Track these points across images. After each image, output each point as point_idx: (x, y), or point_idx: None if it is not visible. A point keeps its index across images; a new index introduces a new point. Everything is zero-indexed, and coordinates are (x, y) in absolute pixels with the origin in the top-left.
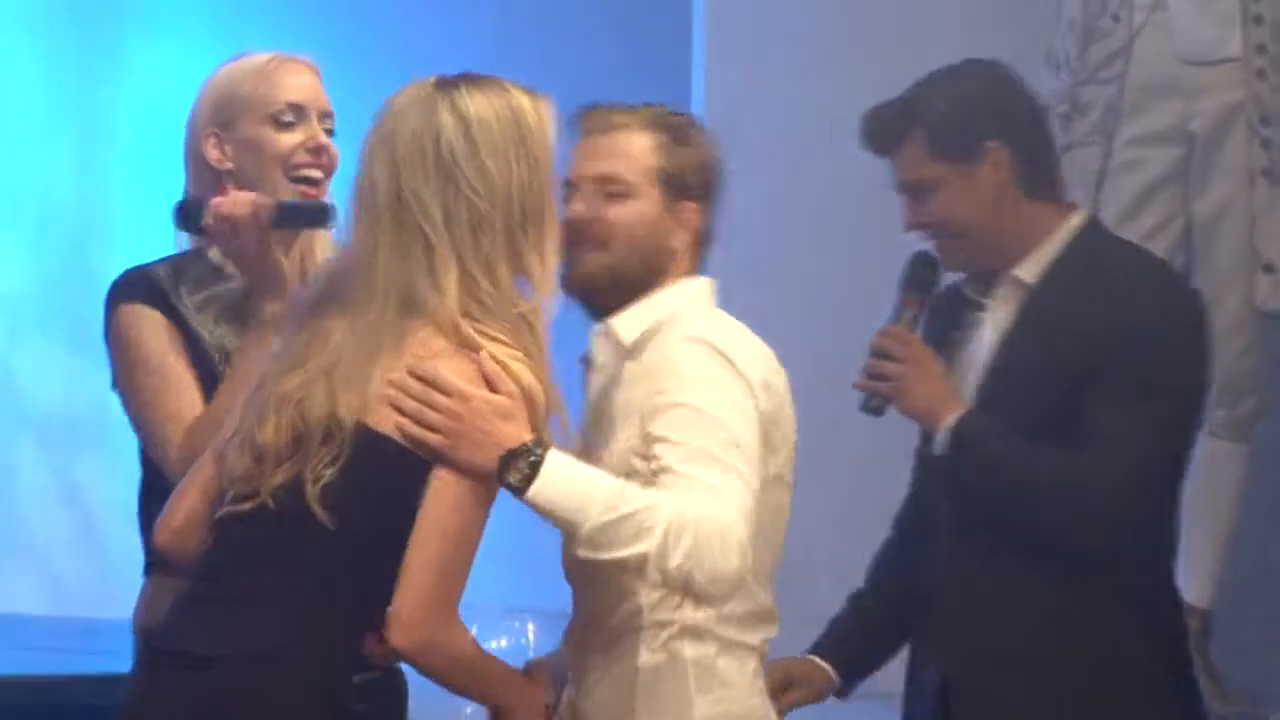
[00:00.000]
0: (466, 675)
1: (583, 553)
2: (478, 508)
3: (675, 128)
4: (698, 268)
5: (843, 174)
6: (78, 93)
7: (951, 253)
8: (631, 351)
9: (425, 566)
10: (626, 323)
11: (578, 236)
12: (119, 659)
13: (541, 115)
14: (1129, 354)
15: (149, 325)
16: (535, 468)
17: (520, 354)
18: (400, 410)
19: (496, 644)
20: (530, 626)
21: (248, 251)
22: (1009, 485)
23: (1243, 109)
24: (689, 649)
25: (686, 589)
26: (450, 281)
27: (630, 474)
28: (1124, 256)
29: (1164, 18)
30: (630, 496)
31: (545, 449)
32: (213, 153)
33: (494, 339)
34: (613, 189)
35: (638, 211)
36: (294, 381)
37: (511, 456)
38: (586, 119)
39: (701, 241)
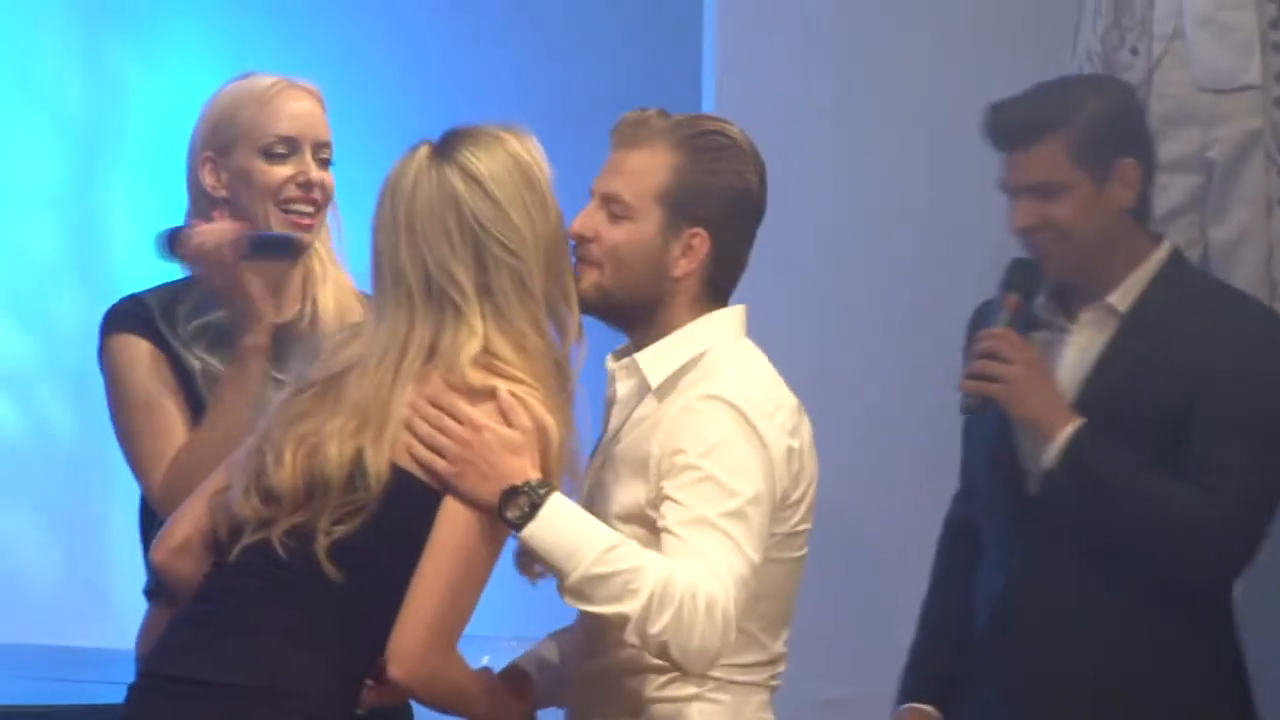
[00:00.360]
0: (461, 703)
1: (568, 600)
2: (486, 541)
3: (701, 148)
4: (714, 295)
5: (852, 178)
6: (79, 107)
7: (1055, 260)
8: (656, 392)
9: (429, 597)
10: (653, 362)
11: (577, 251)
12: (111, 689)
13: (533, 154)
14: (1235, 389)
15: (137, 357)
16: (535, 507)
17: (540, 392)
18: (414, 434)
19: None
20: None
21: (218, 284)
22: (1118, 506)
23: (1261, 137)
24: (692, 687)
25: (662, 656)
26: (474, 343)
27: (633, 518)
28: (1217, 290)
29: (1182, 46)
30: (623, 554)
31: (548, 490)
32: (208, 179)
33: (515, 379)
34: (613, 208)
35: (632, 235)
36: (311, 425)
37: (513, 492)
38: (617, 130)
39: (714, 270)
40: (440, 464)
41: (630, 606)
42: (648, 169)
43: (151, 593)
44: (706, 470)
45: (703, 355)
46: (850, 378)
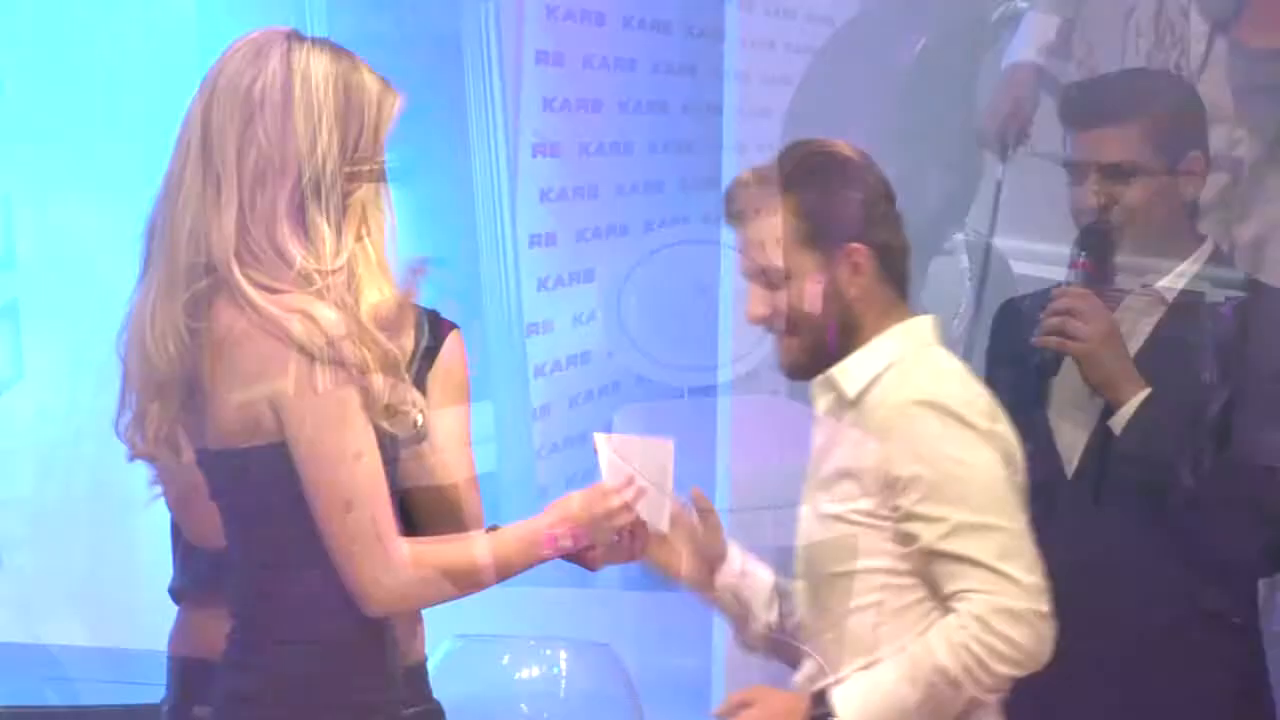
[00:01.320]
0: (444, 577)
1: None
2: (346, 442)
3: (798, 181)
4: (893, 287)
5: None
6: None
7: (1125, 237)
8: (854, 402)
9: (343, 531)
10: (849, 373)
11: (773, 330)
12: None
13: (382, 104)
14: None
15: None
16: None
17: (327, 307)
18: None
19: (529, 673)
20: (562, 655)
21: None
22: (1179, 477)
23: None
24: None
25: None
26: (228, 223)
27: (842, 519)
28: (1258, 285)
29: (1220, 45)
30: (912, 676)
31: (828, 694)
32: None
33: (282, 291)
34: (769, 280)
35: (799, 291)
36: (156, 411)
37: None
38: (726, 214)
39: (884, 269)
40: None
41: (960, 687)
42: (772, 230)
43: (176, 592)
44: (940, 477)
45: (894, 364)
46: None
